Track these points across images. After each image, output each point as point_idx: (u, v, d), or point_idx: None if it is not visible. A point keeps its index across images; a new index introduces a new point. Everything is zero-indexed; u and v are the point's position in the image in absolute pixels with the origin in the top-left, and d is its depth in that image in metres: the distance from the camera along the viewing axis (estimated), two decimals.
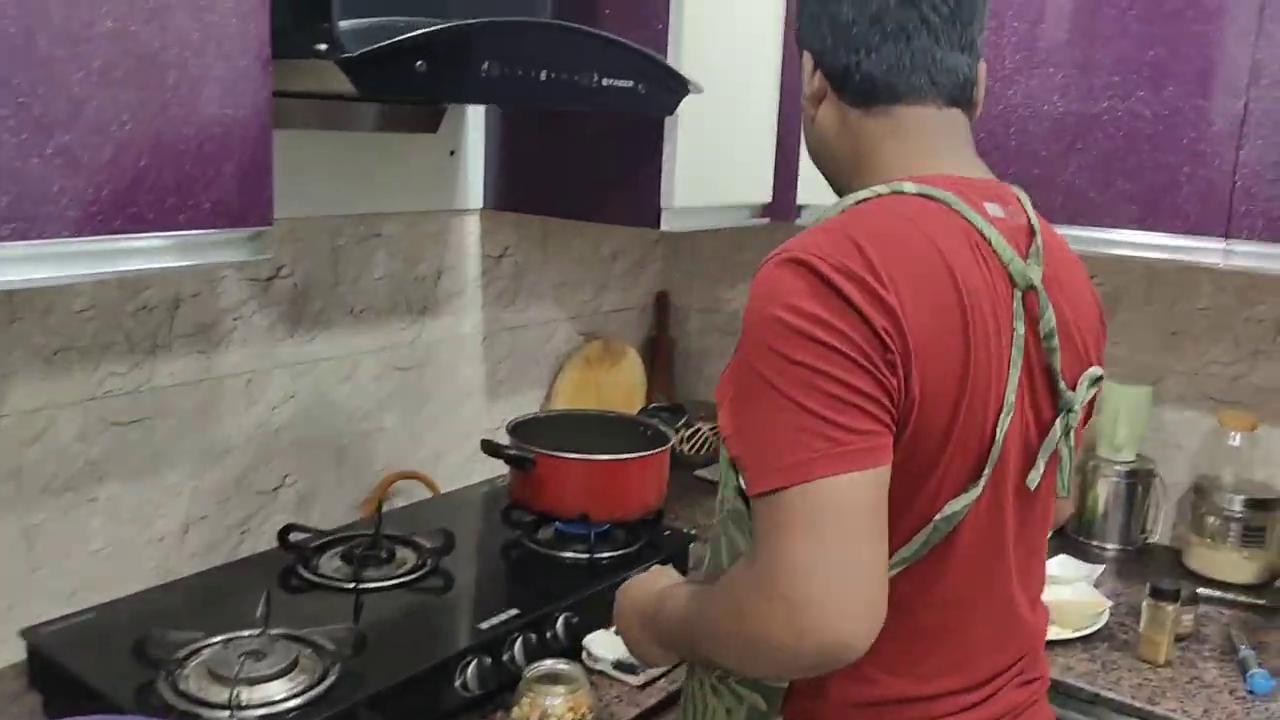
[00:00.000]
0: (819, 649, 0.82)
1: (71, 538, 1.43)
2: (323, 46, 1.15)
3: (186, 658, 1.24)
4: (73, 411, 1.41)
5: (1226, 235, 1.52)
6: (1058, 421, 0.97)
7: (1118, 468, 1.93)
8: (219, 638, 1.27)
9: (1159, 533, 1.97)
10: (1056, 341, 0.95)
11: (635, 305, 2.36)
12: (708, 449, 2.28)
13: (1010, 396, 0.92)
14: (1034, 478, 0.96)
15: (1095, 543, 1.95)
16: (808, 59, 1.03)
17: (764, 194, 1.89)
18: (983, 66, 1.03)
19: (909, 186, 0.95)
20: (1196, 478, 1.89)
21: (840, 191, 1.05)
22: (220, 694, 1.17)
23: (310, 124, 1.60)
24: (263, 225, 1.14)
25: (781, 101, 1.87)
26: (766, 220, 1.93)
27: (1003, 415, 0.91)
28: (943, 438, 0.89)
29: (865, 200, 0.94)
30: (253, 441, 1.62)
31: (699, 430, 2.27)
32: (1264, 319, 1.83)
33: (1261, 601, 1.74)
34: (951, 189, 0.95)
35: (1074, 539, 1.97)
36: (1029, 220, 1.00)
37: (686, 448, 2.27)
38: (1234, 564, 1.80)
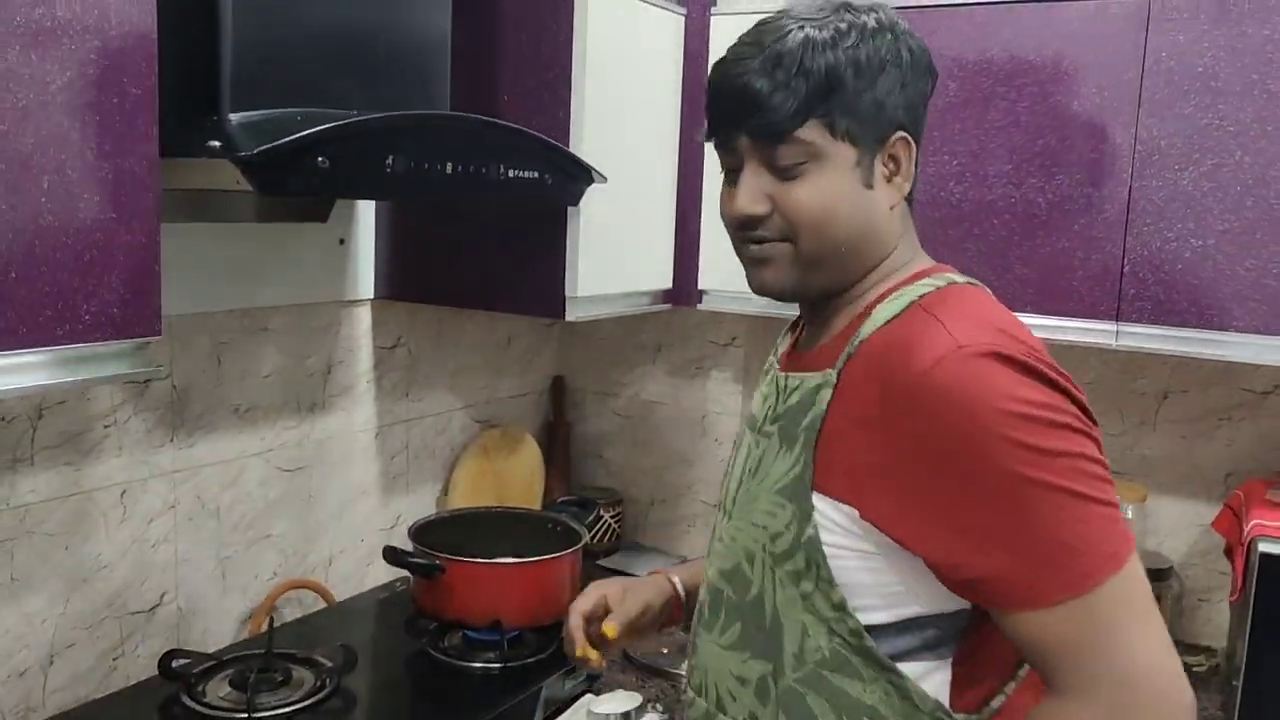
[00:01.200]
0: None
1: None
2: (216, 144, 1.08)
3: None
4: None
5: (1117, 318, 1.57)
6: None
7: None
8: None
9: None
10: None
11: (532, 390, 2.30)
12: (611, 536, 2.23)
13: None
14: None
15: None
16: (907, 148, 0.95)
17: (664, 280, 1.88)
18: None
19: (955, 276, 0.96)
20: None
21: (845, 277, 0.97)
22: None
23: (189, 216, 1.50)
24: (150, 335, 1.05)
25: (680, 189, 1.86)
26: (668, 305, 1.91)
27: None
28: None
29: (933, 292, 0.93)
30: (127, 558, 1.49)
31: (601, 518, 2.21)
32: (1146, 391, 1.90)
33: None
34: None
35: None
36: None
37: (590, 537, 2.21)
38: None
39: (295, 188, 1.12)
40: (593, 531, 2.20)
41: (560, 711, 1.50)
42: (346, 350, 1.82)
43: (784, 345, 1.08)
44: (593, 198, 1.60)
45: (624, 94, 1.70)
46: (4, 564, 1.35)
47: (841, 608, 0.90)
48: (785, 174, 0.93)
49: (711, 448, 2.18)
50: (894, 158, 0.95)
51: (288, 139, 1.06)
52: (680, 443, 2.23)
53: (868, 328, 0.92)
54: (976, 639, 0.92)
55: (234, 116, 1.17)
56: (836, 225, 0.94)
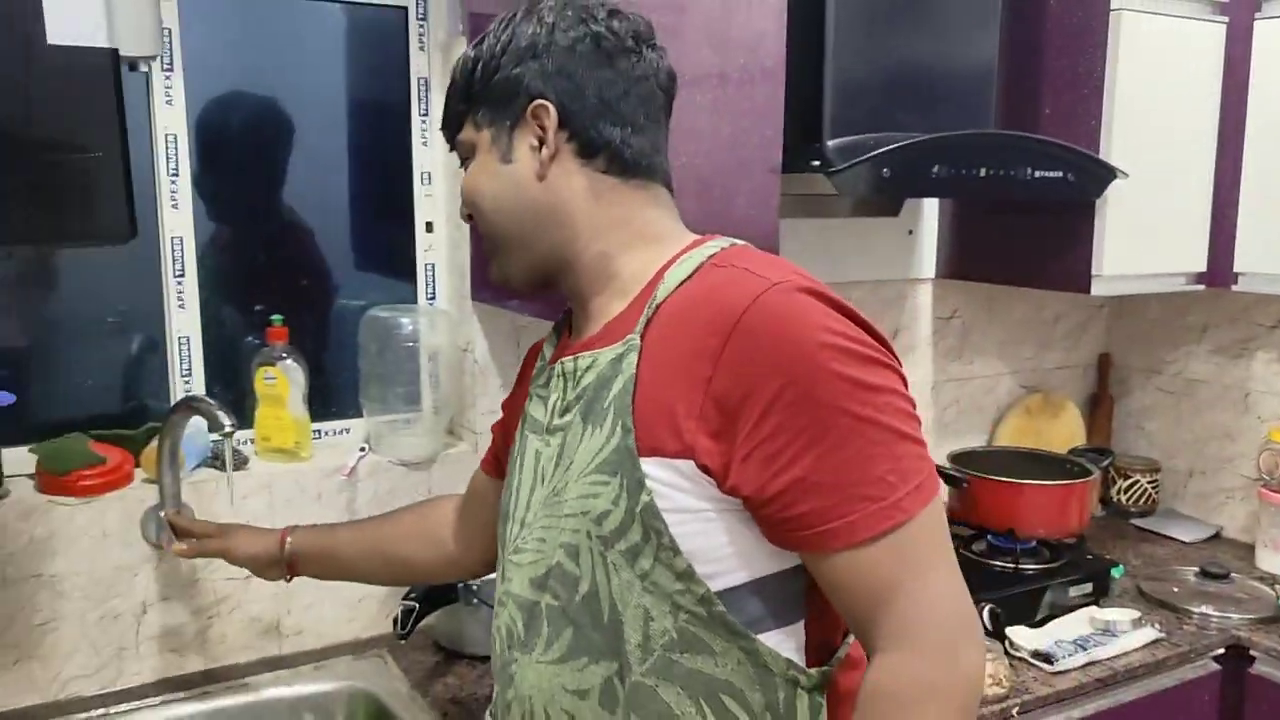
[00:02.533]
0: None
1: None
2: (815, 163, 1.62)
3: None
4: None
5: None
6: None
7: None
8: None
9: None
10: None
11: (1077, 364, 2.57)
12: (1147, 500, 2.43)
13: None
14: None
15: None
16: (545, 113, 0.97)
17: (1198, 262, 2.07)
18: None
19: (734, 240, 0.99)
20: None
21: (543, 256, 1.00)
22: None
23: (797, 213, 2.08)
24: None
25: (1217, 178, 2.04)
26: (1202, 286, 2.09)
27: None
28: None
29: (721, 251, 0.95)
30: None
31: (1137, 482, 2.43)
32: None
33: None
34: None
35: None
36: None
37: (1124, 498, 2.44)
38: None
39: (865, 191, 1.63)
40: (1129, 494, 2.43)
41: (1062, 614, 1.83)
42: (910, 319, 2.29)
43: (552, 349, 1.09)
44: (1121, 190, 1.89)
45: (1159, 97, 1.95)
46: None
47: (688, 575, 0.88)
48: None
49: (1254, 424, 2.28)
50: (542, 126, 0.97)
51: (861, 159, 1.56)
52: (1222, 418, 2.35)
53: (662, 291, 0.93)
54: (820, 596, 0.91)
55: (830, 143, 1.70)
56: (486, 203, 1.00)
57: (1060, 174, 1.76)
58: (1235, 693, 1.86)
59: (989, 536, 1.95)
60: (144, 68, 0.94)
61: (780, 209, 1.61)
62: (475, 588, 1.65)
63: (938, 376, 2.35)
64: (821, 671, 0.92)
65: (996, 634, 1.73)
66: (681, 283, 0.92)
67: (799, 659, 0.92)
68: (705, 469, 0.86)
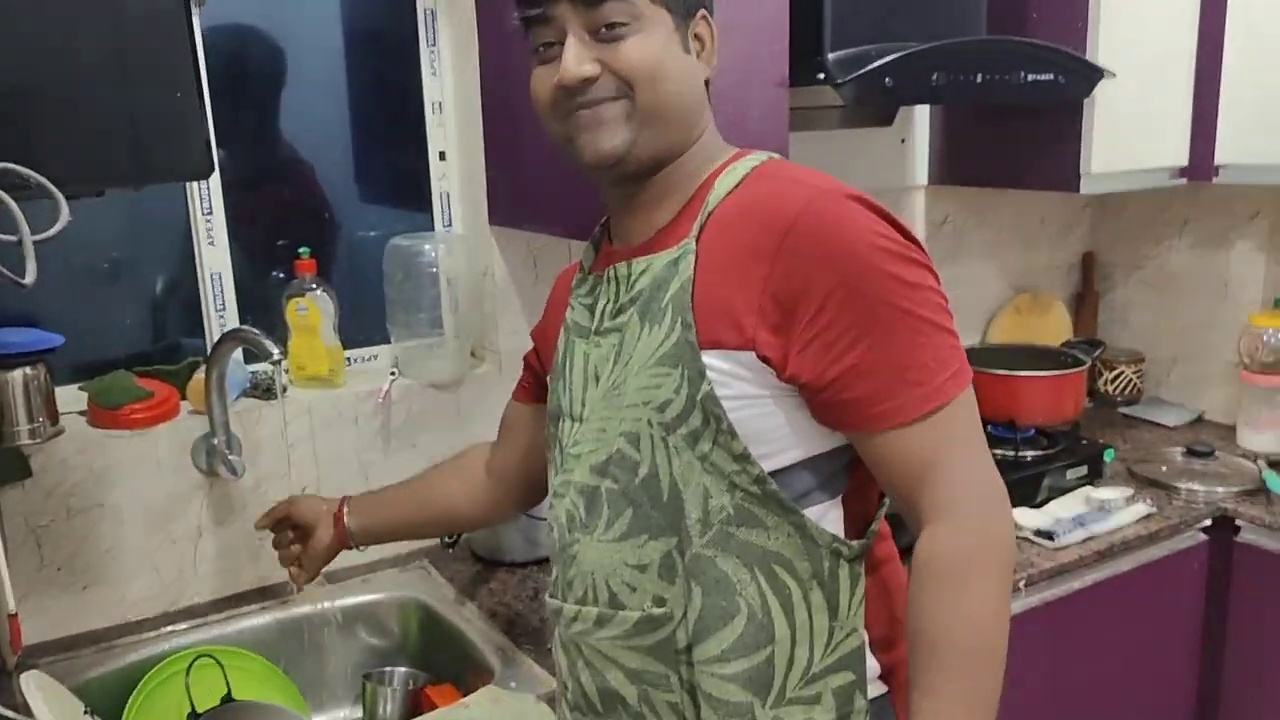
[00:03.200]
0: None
1: None
2: (821, 76, 1.68)
3: None
4: None
5: None
6: None
7: None
8: None
9: None
10: None
11: (1063, 264, 2.67)
12: (1132, 390, 2.55)
13: None
14: None
15: None
16: (709, 28, 1.04)
17: (1180, 157, 2.15)
18: None
19: (765, 155, 1.06)
20: None
21: (676, 143, 1.02)
22: None
23: (794, 126, 2.14)
24: None
25: (1198, 71, 2.11)
26: (1184, 180, 2.18)
27: None
28: None
29: (764, 163, 1.03)
30: None
31: (1122, 373, 2.54)
32: None
33: None
34: None
35: None
36: None
37: (1111, 388, 2.56)
38: None
39: (868, 101, 1.69)
40: (1115, 384, 2.55)
41: (1060, 496, 1.95)
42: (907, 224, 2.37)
43: (590, 260, 1.13)
44: (1106, 89, 1.96)
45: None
46: None
47: (745, 458, 0.95)
48: (610, 37, 0.96)
49: (1232, 310, 2.38)
50: (699, 36, 1.02)
51: (866, 69, 1.62)
52: (1202, 308, 2.46)
53: (713, 199, 1.00)
54: (859, 475, 1.02)
55: (831, 55, 1.75)
56: (669, 80, 0.99)
57: (1051, 76, 1.83)
58: (1222, 561, 1.99)
59: (990, 427, 2.06)
60: (200, 6, 0.97)
61: None
62: None
63: None
64: (861, 544, 1.01)
65: None
66: (730, 191, 0.99)
67: (840, 532, 1.00)
68: (765, 359, 0.94)
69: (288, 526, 1.47)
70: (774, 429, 0.97)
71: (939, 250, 2.43)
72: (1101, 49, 1.97)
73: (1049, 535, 1.80)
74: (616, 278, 1.05)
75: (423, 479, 1.48)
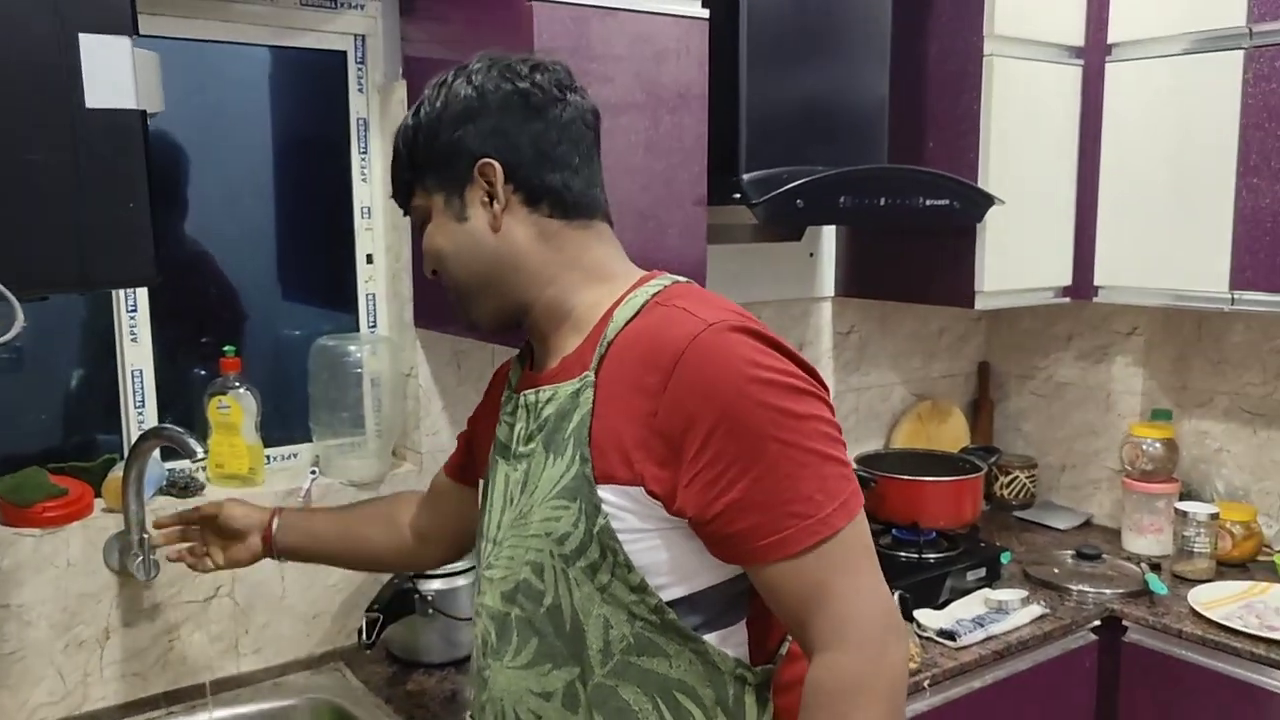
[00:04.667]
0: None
1: None
2: (736, 195, 1.78)
3: None
4: None
5: None
6: None
7: None
8: None
9: None
10: None
11: (960, 372, 2.82)
12: (1026, 494, 2.68)
13: None
14: None
15: None
16: (492, 170, 1.04)
17: (1064, 277, 2.32)
18: None
19: (676, 277, 1.08)
20: None
21: (508, 300, 1.09)
22: None
23: (710, 240, 2.24)
24: None
25: (1079, 202, 2.30)
26: (1068, 299, 2.34)
27: None
28: None
29: (663, 289, 1.04)
30: None
31: (1016, 478, 2.67)
32: None
33: None
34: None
35: None
36: None
37: (1006, 492, 2.68)
38: None
39: (782, 220, 1.80)
40: (1010, 489, 2.67)
41: (961, 596, 2.04)
42: (814, 334, 2.49)
43: (516, 377, 1.17)
44: (998, 215, 2.12)
45: (1026, 132, 2.19)
46: None
47: (642, 588, 0.97)
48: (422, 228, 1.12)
49: (1115, 421, 2.55)
50: (489, 182, 1.05)
51: (778, 191, 1.74)
52: (1088, 417, 2.62)
53: (611, 330, 1.01)
54: (761, 600, 1.00)
55: (746, 176, 1.87)
56: (448, 259, 1.09)
57: (947, 202, 1.98)
58: (1111, 659, 2.10)
59: (894, 530, 2.15)
60: (153, 116, 1.02)
61: None
62: (431, 598, 1.75)
63: (838, 387, 2.55)
64: (765, 669, 1.03)
65: (906, 616, 1.91)
66: (629, 320, 1.01)
67: (744, 657, 1.02)
68: (653, 495, 0.96)
69: (209, 527, 1.46)
70: (669, 560, 0.98)
71: (845, 358, 2.55)
72: (992, 179, 2.13)
73: (951, 635, 1.88)
74: (527, 405, 1.08)
75: (352, 513, 1.52)
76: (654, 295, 1.03)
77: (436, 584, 1.77)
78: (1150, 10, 2.16)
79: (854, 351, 2.57)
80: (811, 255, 2.45)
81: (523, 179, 1.05)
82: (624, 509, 0.97)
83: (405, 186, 1.11)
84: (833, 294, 2.49)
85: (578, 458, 0.98)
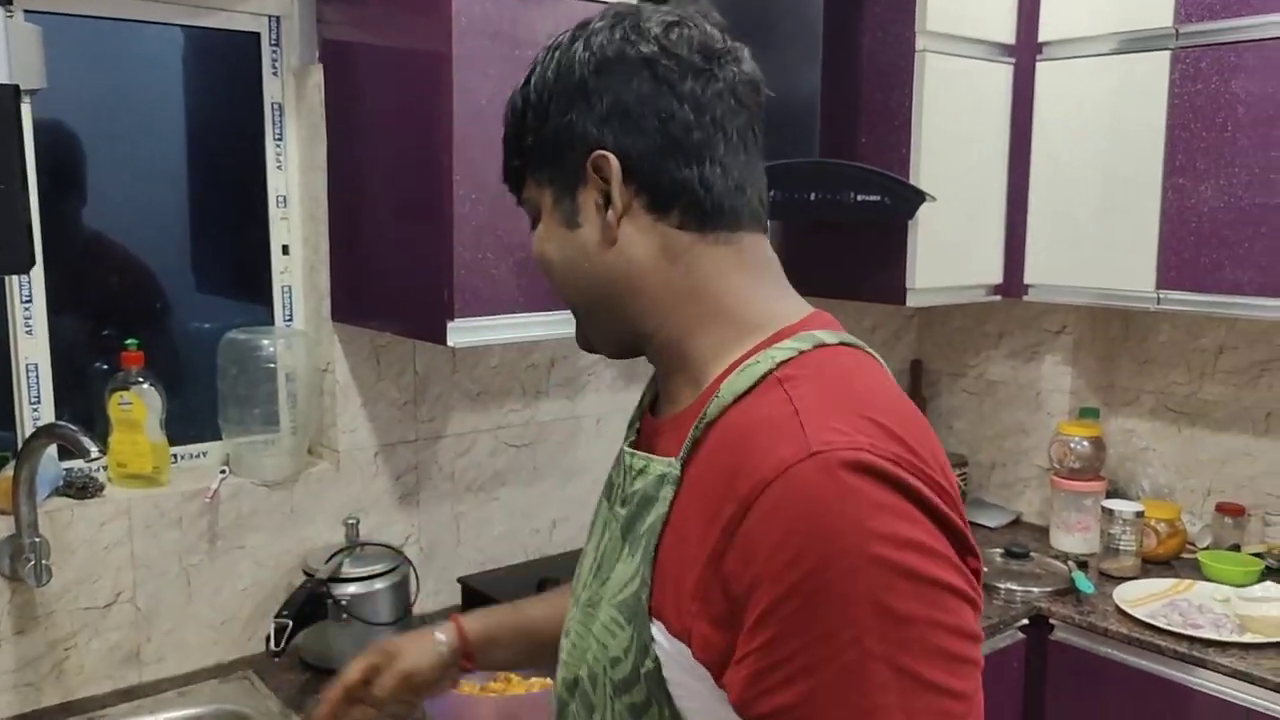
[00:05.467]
0: None
1: (481, 524, 2.08)
2: None
3: None
4: (487, 436, 2.06)
5: None
6: None
7: None
8: None
9: None
10: None
11: (892, 370, 2.76)
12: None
13: None
14: None
15: None
16: (606, 164, 0.79)
17: (995, 275, 2.32)
18: None
19: (826, 336, 0.78)
20: None
21: (618, 332, 0.86)
22: None
23: None
24: None
25: (1009, 200, 2.30)
26: (999, 297, 2.34)
27: None
28: None
29: (795, 357, 0.76)
30: (600, 463, 2.22)
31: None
32: None
33: None
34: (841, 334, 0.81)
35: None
36: None
37: None
38: None
39: None
40: None
41: None
42: None
43: (638, 413, 0.93)
44: (929, 212, 2.10)
45: (958, 129, 2.18)
46: (529, 459, 2.13)
47: None
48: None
49: (1045, 419, 2.56)
50: (605, 180, 0.80)
51: None
52: (1018, 415, 2.63)
53: (714, 407, 0.76)
54: None
55: None
56: (552, 271, 0.86)
57: (878, 197, 1.96)
58: (1038, 657, 2.10)
59: None
60: (28, 101, 0.94)
61: None
62: (345, 603, 1.68)
63: None
64: None
65: None
66: (737, 399, 0.75)
67: None
68: (700, 661, 0.73)
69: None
70: (723, 717, 0.73)
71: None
72: (924, 175, 2.12)
73: None
74: (625, 466, 0.86)
75: (556, 592, 1.18)
76: (781, 365, 0.75)
77: (351, 588, 1.71)
78: (1081, 9, 2.17)
79: None
80: None
81: (647, 176, 0.79)
82: (672, 658, 0.75)
83: (515, 174, 0.88)
84: None
85: (641, 573, 0.78)
